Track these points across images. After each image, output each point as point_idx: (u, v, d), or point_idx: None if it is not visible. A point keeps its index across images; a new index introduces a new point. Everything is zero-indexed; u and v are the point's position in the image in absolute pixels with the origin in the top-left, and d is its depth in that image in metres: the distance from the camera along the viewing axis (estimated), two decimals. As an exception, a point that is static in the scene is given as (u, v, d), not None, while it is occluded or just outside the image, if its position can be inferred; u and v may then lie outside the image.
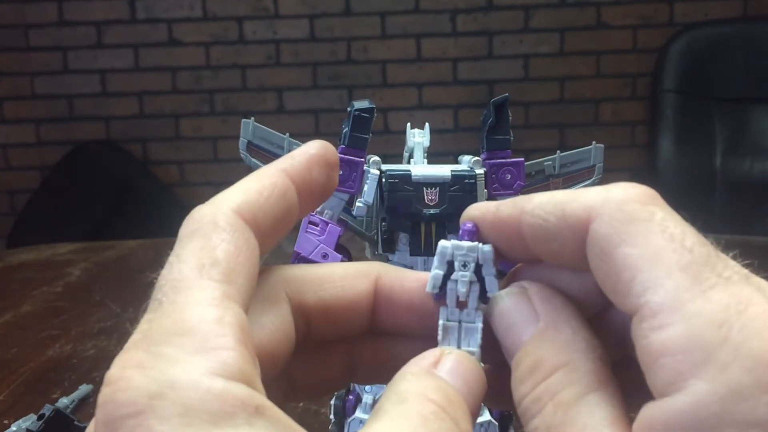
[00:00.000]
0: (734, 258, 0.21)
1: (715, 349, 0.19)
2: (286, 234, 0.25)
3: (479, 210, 0.26)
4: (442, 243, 0.26)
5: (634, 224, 0.21)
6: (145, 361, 0.18)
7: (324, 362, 0.26)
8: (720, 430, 0.18)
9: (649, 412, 0.20)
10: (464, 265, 0.26)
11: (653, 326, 0.20)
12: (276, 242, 0.24)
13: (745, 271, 0.21)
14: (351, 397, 0.45)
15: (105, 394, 0.18)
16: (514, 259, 0.26)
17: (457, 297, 0.26)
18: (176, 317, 0.19)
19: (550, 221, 0.23)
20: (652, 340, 0.20)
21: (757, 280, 0.21)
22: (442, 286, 0.26)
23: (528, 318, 0.24)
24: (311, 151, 0.25)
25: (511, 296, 0.25)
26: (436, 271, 0.26)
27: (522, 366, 0.23)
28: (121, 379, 0.18)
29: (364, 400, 0.43)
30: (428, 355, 0.24)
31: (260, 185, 0.23)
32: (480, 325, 0.26)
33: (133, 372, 0.18)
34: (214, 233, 0.21)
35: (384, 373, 0.24)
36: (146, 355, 0.18)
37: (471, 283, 0.26)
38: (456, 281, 0.26)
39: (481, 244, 0.26)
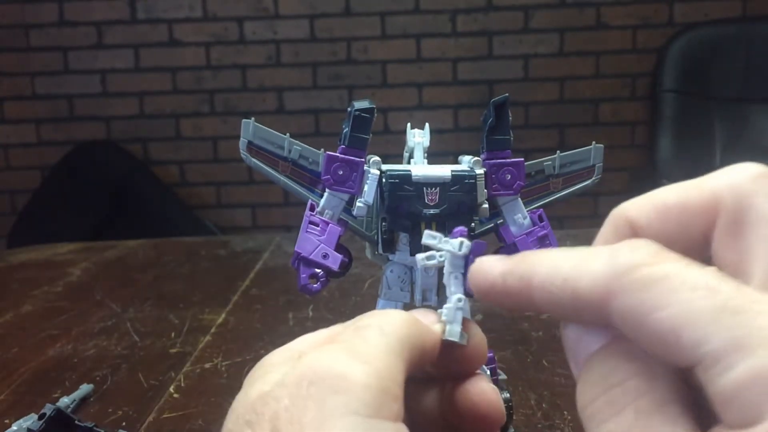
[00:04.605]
0: None
1: None
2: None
3: (486, 280, 0.26)
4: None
5: (654, 287, 0.21)
6: None
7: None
8: None
9: None
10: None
11: (719, 371, 0.20)
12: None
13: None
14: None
15: None
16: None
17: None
18: None
19: (563, 299, 0.24)
20: (722, 384, 0.20)
21: None
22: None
23: (600, 331, 0.24)
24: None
25: None
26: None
27: (594, 370, 0.23)
28: None
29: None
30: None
31: None
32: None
33: None
34: None
35: None
36: None
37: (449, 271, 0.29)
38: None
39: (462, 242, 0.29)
